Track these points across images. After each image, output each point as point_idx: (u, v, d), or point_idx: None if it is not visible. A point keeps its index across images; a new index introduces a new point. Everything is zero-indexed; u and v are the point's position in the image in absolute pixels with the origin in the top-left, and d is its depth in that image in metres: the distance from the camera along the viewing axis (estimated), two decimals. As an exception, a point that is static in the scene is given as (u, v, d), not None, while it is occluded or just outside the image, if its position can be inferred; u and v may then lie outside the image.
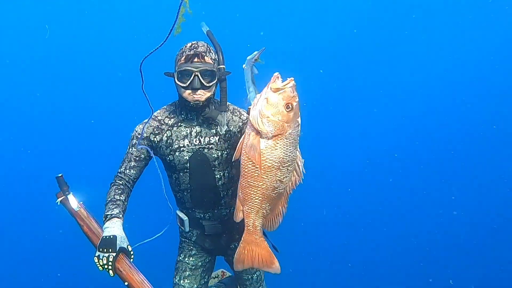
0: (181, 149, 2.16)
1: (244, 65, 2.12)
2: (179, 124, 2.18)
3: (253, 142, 1.88)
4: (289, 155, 1.92)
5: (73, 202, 2.10)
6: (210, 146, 2.17)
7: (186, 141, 2.16)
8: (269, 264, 2.05)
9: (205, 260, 2.44)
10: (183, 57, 2.03)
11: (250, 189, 1.96)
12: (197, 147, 2.16)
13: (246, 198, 1.98)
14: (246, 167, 1.94)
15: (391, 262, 5.10)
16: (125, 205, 2.09)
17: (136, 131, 2.19)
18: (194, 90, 2.02)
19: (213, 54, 2.08)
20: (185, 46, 2.08)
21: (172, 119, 2.19)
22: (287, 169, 1.94)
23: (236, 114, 2.23)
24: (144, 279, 1.89)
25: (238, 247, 2.08)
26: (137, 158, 2.17)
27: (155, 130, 2.18)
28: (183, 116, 2.17)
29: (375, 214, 5.53)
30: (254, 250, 2.06)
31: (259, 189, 1.95)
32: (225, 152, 2.18)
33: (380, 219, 5.47)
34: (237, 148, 1.97)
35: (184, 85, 2.02)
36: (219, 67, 2.08)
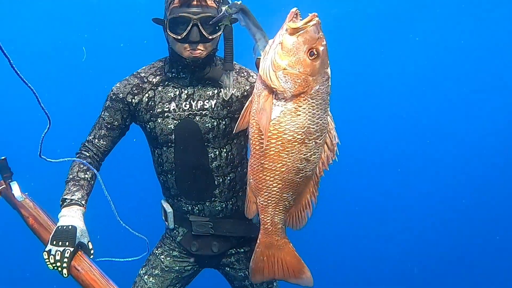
0: (165, 114, 1.69)
1: (222, 12, 1.51)
2: (166, 83, 1.71)
3: (264, 105, 1.33)
4: (318, 123, 1.36)
5: (17, 191, 1.74)
6: (204, 112, 1.68)
7: (173, 105, 1.69)
8: (298, 274, 1.53)
9: (185, 268, 1.91)
10: None
11: (265, 173, 1.42)
12: (186, 113, 1.68)
13: (260, 186, 1.45)
14: (256, 143, 1.40)
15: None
16: (90, 186, 1.69)
17: (112, 91, 1.73)
18: (192, 44, 1.57)
19: None
20: None
21: (157, 77, 1.72)
22: (315, 142, 1.38)
23: (242, 74, 1.74)
24: (111, 282, 1.37)
25: (254, 253, 1.56)
26: (109, 126, 1.75)
27: (134, 89, 1.71)
28: (173, 73, 1.70)
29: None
30: (276, 255, 1.54)
31: (277, 172, 1.40)
32: (223, 123, 1.69)
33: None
34: (241, 115, 1.44)
35: (179, 37, 1.56)
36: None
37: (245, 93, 1.70)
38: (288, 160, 1.38)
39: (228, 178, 1.76)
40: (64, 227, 1.47)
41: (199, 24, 1.53)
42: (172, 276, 1.89)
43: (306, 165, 1.40)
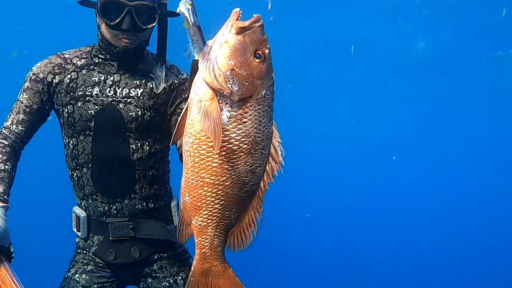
0: (87, 98, 1.61)
1: (179, 8, 1.38)
2: (92, 67, 1.64)
3: (209, 109, 1.17)
4: (264, 131, 1.25)
5: None
6: (129, 100, 1.61)
7: (96, 90, 1.61)
8: None
9: (104, 285, 1.73)
10: None
11: (205, 188, 1.25)
12: (110, 99, 1.61)
13: (199, 204, 1.27)
14: (196, 154, 1.23)
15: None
16: (11, 178, 1.57)
17: (32, 71, 1.65)
18: (124, 32, 1.52)
19: None
20: None
21: (83, 60, 1.65)
22: (261, 152, 1.26)
23: (172, 71, 1.69)
24: None
25: (187, 283, 1.36)
26: (28, 110, 1.63)
27: (55, 68, 1.63)
28: (100, 59, 1.63)
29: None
30: (214, 284, 1.36)
31: (220, 187, 1.24)
32: (148, 113, 1.63)
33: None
34: (177, 125, 1.28)
35: (111, 23, 1.49)
36: (161, 2, 1.55)
37: (172, 86, 1.64)
38: (233, 173, 1.23)
39: (150, 174, 1.67)
40: None
41: (133, 12, 1.46)
42: None
43: (252, 178, 1.27)
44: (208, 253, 1.32)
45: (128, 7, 1.46)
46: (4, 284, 1.35)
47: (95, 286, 1.70)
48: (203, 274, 1.35)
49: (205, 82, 1.19)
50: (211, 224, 1.29)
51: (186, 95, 1.58)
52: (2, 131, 1.63)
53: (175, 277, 1.71)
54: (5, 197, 1.50)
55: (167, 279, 1.71)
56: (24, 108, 1.62)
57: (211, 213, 1.27)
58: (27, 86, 1.63)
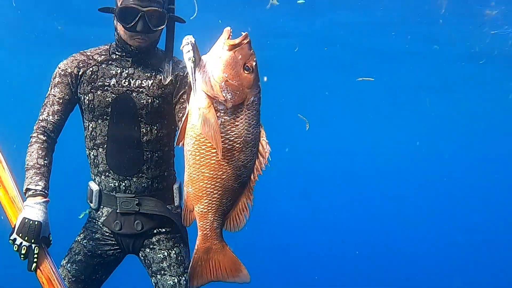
0: (105, 87, 1.84)
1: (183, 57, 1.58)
2: (110, 62, 1.87)
3: (207, 116, 1.39)
4: (253, 132, 1.48)
5: None
6: (141, 90, 1.84)
7: (113, 81, 1.85)
8: (236, 273, 1.63)
9: (107, 252, 1.96)
10: None
11: (206, 181, 1.48)
12: (125, 89, 1.84)
13: (200, 194, 1.51)
14: (197, 153, 1.46)
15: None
16: (49, 171, 1.80)
17: (60, 68, 1.86)
18: (138, 33, 1.75)
19: None
20: None
21: (102, 56, 1.89)
22: (251, 150, 1.50)
23: (178, 64, 1.90)
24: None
25: (192, 259, 1.60)
26: (61, 101, 1.85)
27: (80, 63, 1.87)
28: (117, 55, 1.87)
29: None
30: (214, 259, 1.61)
31: (218, 180, 1.48)
32: (157, 101, 1.85)
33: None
34: (179, 129, 1.50)
35: (127, 25, 1.73)
36: (169, 7, 1.78)
37: (177, 78, 1.85)
38: (228, 168, 1.47)
39: (156, 155, 1.87)
40: (30, 222, 1.62)
41: (145, 16, 1.68)
42: (94, 261, 1.93)
43: (244, 172, 1.50)
44: (209, 234, 1.57)
45: (141, 12, 1.67)
46: (44, 271, 1.65)
47: (99, 252, 1.93)
48: (205, 251, 1.60)
49: (203, 91, 1.41)
50: (210, 210, 1.53)
51: (188, 86, 1.73)
52: (40, 124, 1.82)
53: (170, 250, 1.90)
54: (46, 191, 1.72)
55: (162, 251, 1.90)
56: (58, 100, 1.82)
57: (210, 201, 1.51)
58: (58, 81, 1.83)
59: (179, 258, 1.88)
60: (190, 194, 1.52)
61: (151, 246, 1.92)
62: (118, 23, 1.73)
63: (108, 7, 1.74)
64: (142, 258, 1.95)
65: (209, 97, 1.40)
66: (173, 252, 1.90)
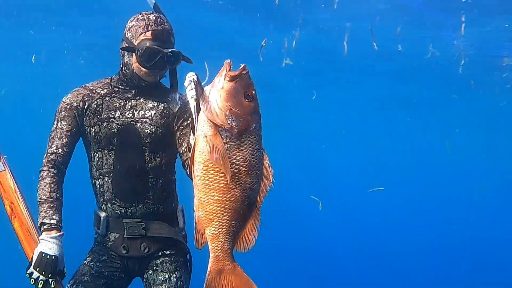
0: (111, 119, 1.94)
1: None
2: (113, 95, 1.97)
3: (214, 143, 1.50)
4: (257, 156, 1.58)
5: None
6: (145, 120, 1.95)
7: (118, 113, 1.95)
8: None
9: (114, 273, 2.00)
10: (149, 32, 1.83)
11: (216, 205, 1.57)
12: (129, 120, 1.94)
13: (211, 217, 1.59)
14: (206, 178, 1.55)
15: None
16: (62, 204, 1.88)
17: (64, 102, 1.96)
18: (155, 70, 1.88)
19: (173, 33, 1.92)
20: (146, 17, 1.86)
21: (105, 90, 1.99)
22: (256, 173, 1.60)
23: (179, 95, 1.99)
24: None
25: (205, 281, 1.67)
26: (69, 133, 1.94)
27: (84, 97, 1.96)
28: (120, 88, 1.98)
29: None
30: (227, 280, 1.67)
31: (227, 202, 1.57)
32: (160, 130, 1.95)
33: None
34: (190, 156, 1.59)
35: (148, 65, 1.84)
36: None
37: (180, 108, 1.95)
38: (236, 191, 1.56)
39: (160, 181, 1.97)
40: (48, 257, 1.71)
41: (165, 57, 1.81)
42: (101, 282, 1.96)
43: (251, 193, 1.60)
44: (221, 256, 1.64)
45: (165, 53, 1.81)
46: None
47: (106, 273, 1.98)
48: (217, 272, 1.66)
49: (208, 120, 1.52)
50: (221, 232, 1.61)
51: (187, 115, 1.91)
52: (49, 157, 1.90)
53: (171, 274, 1.97)
54: (60, 224, 1.79)
55: (164, 273, 1.97)
56: (66, 133, 1.91)
57: (221, 223, 1.60)
58: (64, 115, 1.92)
59: (178, 283, 1.96)
60: (201, 218, 1.61)
61: (154, 268, 2.00)
62: (141, 62, 1.83)
63: (128, 46, 1.86)
64: (145, 279, 2.02)
65: (215, 125, 1.52)
66: (174, 275, 1.98)
